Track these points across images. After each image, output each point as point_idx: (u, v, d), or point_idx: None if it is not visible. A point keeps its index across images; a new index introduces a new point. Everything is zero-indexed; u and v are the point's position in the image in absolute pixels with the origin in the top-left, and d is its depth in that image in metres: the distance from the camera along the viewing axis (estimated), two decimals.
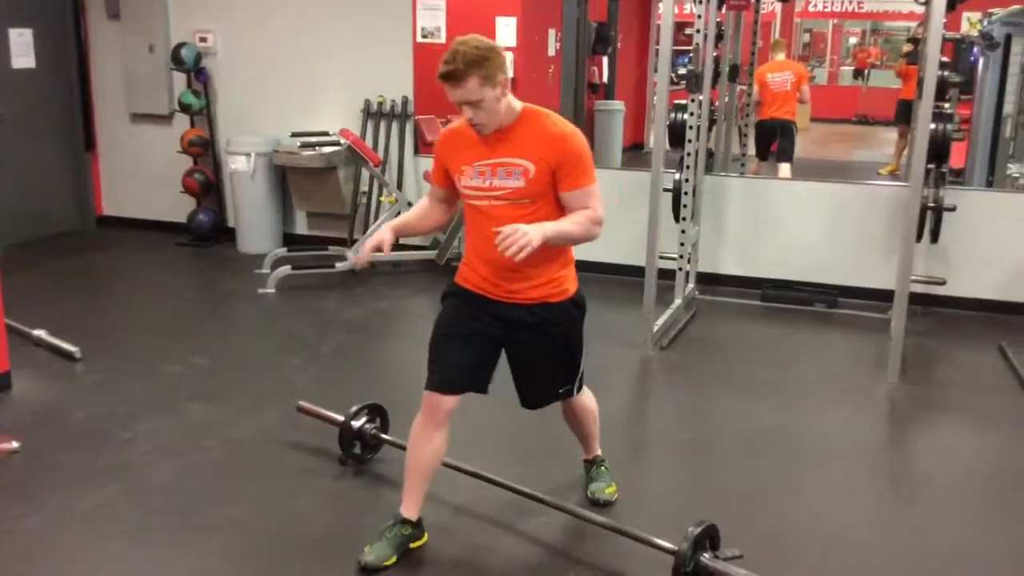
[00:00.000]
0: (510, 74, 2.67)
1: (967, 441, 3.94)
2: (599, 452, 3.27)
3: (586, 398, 3.08)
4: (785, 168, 8.15)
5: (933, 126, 4.40)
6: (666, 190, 5.01)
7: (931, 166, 4.89)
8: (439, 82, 2.55)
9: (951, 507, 3.34)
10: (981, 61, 7.12)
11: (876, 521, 3.19)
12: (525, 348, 2.83)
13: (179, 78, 6.98)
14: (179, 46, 6.77)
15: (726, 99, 7.39)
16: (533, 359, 2.86)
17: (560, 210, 2.70)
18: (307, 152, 6.27)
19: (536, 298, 2.75)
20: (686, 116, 5.12)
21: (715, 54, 5.43)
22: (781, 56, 8.59)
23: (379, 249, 2.76)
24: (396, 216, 6.34)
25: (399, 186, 6.49)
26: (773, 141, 8.24)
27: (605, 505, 3.13)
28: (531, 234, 2.47)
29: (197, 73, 6.87)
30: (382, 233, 2.78)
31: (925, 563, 2.94)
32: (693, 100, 5.09)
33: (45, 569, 2.81)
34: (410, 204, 6.35)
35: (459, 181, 2.73)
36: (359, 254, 2.81)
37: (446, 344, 2.78)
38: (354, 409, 3.43)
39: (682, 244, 5.26)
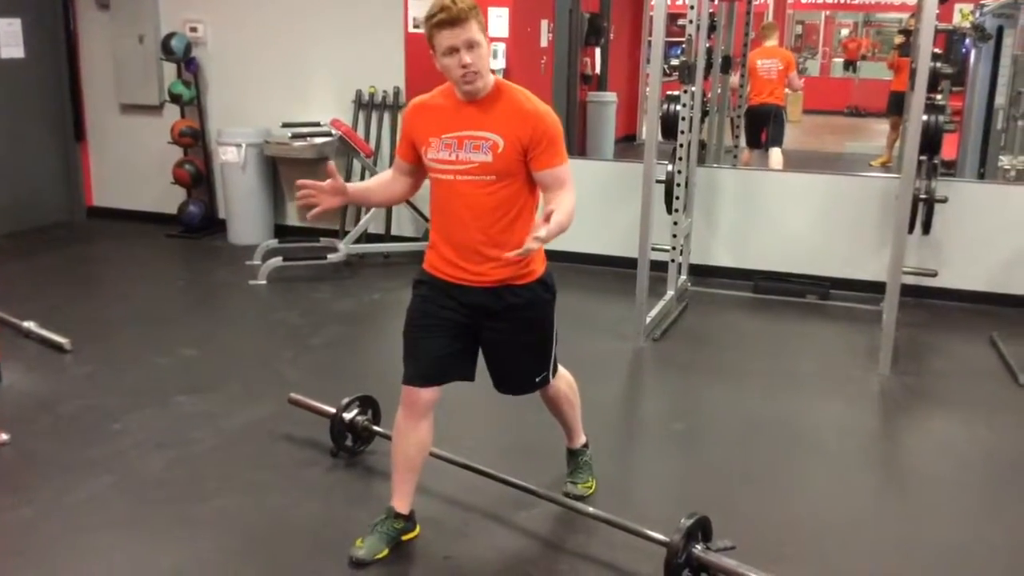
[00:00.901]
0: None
1: (959, 432, 3.95)
2: (582, 441, 3.22)
3: (563, 383, 3.02)
4: (776, 152, 8.15)
5: (925, 118, 4.40)
6: (658, 182, 5.00)
7: (923, 158, 4.89)
8: (434, 31, 2.49)
9: (943, 497, 3.35)
10: (973, 53, 7.13)
11: (868, 511, 3.20)
12: (496, 335, 2.76)
13: (169, 68, 6.94)
14: (169, 36, 6.73)
15: (718, 90, 7.38)
16: (505, 346, 2.80)
17: (527, 189, 2.65)
18: (298, 143, 6.24)
19: (502, 279, 2.67)
20: (678, 107, 5.11)
21: (708, 45, 5.42)
22: (772, 42, 8.58)
23: (325, 199, 2.74)
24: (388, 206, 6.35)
25: None
26: (763, 128, 8.24)
27: (578, 499, 3.07)
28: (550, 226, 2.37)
29: (187, 63, 6.83)
30: (339, 187, 2.74)
31: (917, 553, 2.94)
32: (685, 91, 5.08)
33: (35, 561, 2.79)
34: None
35: (425, 154, 2.67)
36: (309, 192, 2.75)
37: (419, 336, 2.74)
38: (345, 401, 3.42)
39: (674, 236, 5.26)
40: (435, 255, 2.76)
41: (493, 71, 2.65)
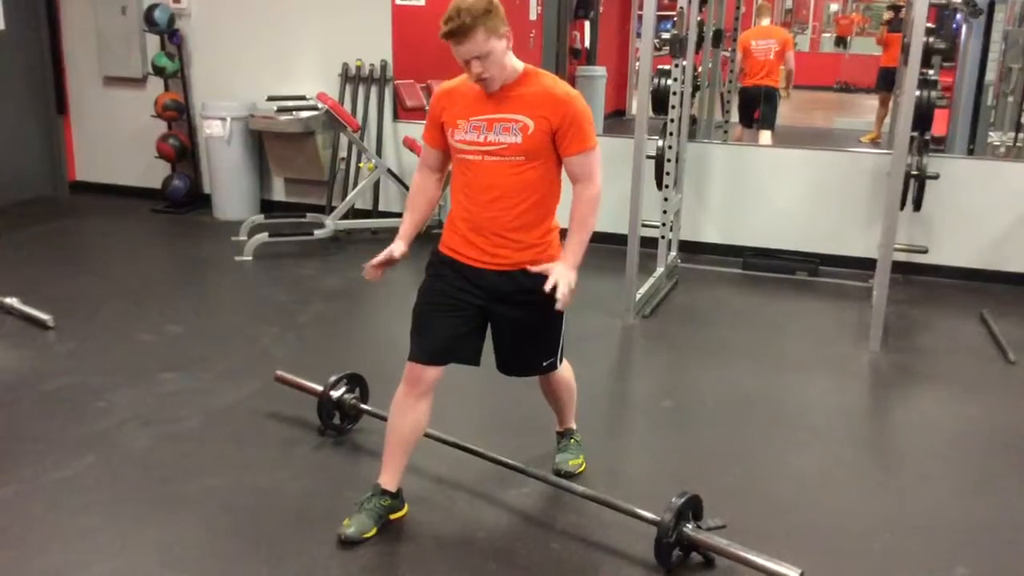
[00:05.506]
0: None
1: (948, 409, 3.95)
2: (573, 426, 3.24)
3: (566, 371, 3.04)
4: (766, 135, 8.13)
5: (917, 93, 4.36)
6: (649, 157, 4.96)
7: (914, 134, 4.87)
8: (444, 40, 2.52)
9: (932, 474, 3.35)
10: (964, 28, 7.09)
11: (858, 489, 3.20)
12: (508, 317, 2.76)
13: (152, 40, 6.84)
14: (152, 7, 6.62)
15: (709, 65, 7.33)
16: (516, 328, 2.80)
17: (553, 173, 2.68)
18: (284, 117, 6.16)
19: (520, 263, 2.69)
20: (669, 82, 5.06)
21: (699, 19, 5.36)
22: (765, 21, 8.51)
23: (390, 262, 2.79)
24: (375, 182, 6.29)
25: (378, 152, 6.40)
26: (756, 108, 8.20)
27: (568, 476, 3.08)
28: (570, 277, 2.64)
29: (171, 35, 6.73)
30: (393, 247, 2.78)
31: (906, 530, 2.94)
32: (676, 66, 5.03)
33: (17, 540, 2.75)
34: (389, 170, 6.28)
35: (452, 136, 2.68)
36: (368, 268, 2.86)
37: (429, 314, 2.74)
38: (333, 379, 3.39)
39: (665, 212, 5.23)
40: (453, 236, 2.75)
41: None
